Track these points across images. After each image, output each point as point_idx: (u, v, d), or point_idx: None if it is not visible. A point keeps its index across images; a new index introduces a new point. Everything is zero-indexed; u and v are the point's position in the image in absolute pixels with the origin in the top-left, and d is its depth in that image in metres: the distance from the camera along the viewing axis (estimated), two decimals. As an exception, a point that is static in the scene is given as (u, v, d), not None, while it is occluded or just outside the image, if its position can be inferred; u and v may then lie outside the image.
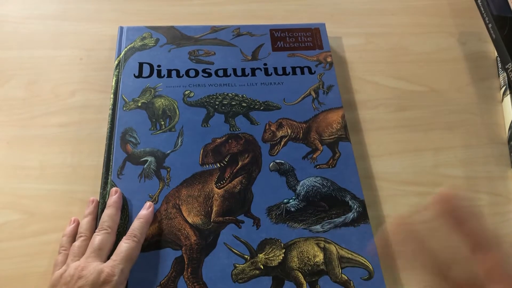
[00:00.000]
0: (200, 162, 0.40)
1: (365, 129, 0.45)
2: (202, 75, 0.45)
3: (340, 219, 0.38)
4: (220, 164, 0.40)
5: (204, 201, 0.38)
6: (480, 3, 0.54)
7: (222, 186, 0.39)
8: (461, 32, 0.53)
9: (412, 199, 0.42)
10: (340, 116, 0.43)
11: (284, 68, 0.46)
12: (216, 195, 0.38)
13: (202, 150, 0.40)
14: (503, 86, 0.48)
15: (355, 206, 0.39)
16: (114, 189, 0.38)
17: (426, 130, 0.46)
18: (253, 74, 0.45)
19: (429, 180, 0.43)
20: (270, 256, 0.36)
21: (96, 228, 0.36)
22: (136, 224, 0.35)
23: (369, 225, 0.38)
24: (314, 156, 0.41)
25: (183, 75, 0.44)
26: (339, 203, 0.39)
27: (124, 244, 0.34)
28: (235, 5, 0.53)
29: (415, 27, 0.53)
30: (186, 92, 0.43)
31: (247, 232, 0.37)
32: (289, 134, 0.42)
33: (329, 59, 0.47)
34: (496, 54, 0.51)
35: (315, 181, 0.39)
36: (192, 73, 0.45)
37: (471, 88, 0.49)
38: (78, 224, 0.37)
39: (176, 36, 0.47)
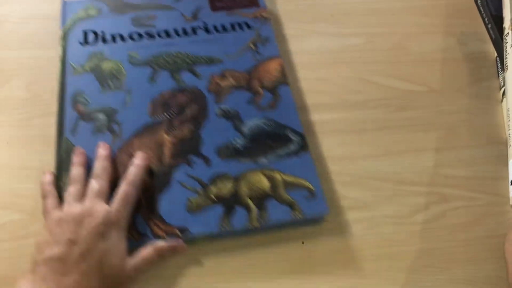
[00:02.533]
0: (149, 115, 0.42)
1: (365, 129, 0.45)
2: (146, 38, 0.47)
3: (283, 151, 0.41)
4: (168, 115, 0.43)
5: (155, 148, 0.41)
6: (480, 3, 0.54)
7: (172, 134, 0.42)
8: (461, 32, 0.53)
9: (412, 199, 0.42)
10: (278, 63, 0.47)
11: (223, 26, 0.49)
12: (167, 142, 0.41)
13: (151, 104, 0.43)
14: (503, 86, 0.48)
15: (296, 139, 0.42)
16: (101, 143, 0.40)
17: (426, 130, 0.46)
18: (195, 33, 0.48)
19: (429, 180, 0.43)
20: (221, 187, 0.39)
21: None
22: (132, 170, 0.37)
23: (308, 153, 0.41)
24: (256, 100, 0.44)
25: (127, 39, 0.47)
26: (281, 138, 0.42)
27: (125, 189, 0.36)
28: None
29: (415, 27, 0.53)
30: (132, 54, 0.46)
31: (199, 170, 0.40)
32: (233, 83, 0.45)
33: (265, 15, 0.50)
34: (496, 54, 0.51)
35: (259, 121, 0.43)
36: (135, 36, 0.47)
37: (471, 88, 0.49)
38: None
39: (117, 5, 0.49)
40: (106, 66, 0.45)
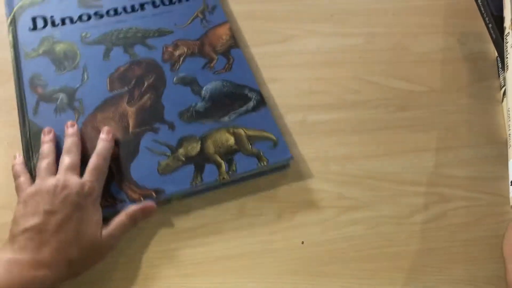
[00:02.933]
0: (108, 89, 0.44)
1: (365, 129, 0.45)
2: (95, 18, 0.48)
3: (243, 108, 0.43)
4: (127, 87, 0.44)
5: (119, 119, 0.42)
6: (480, 3, 0.54)
7: (133, 104, 0.43)
8: (461, 32, 0.53)
9: (412, 199, 0.42)
10: (227, 28, 0.49)
11: None
12: (130, 112, 0.43)
13: (108, 79, 0.44)
14: (503, 86, 0.48)
15: (253, 96, 0.44)
16: (69, 122, 0.41)
17: (426, 130, 0.46)
18: (142, 9, 0.49)
19: (429, 180, 0.43)
20: (188, 149, 0.41)
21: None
22: (100, 144, 0.39)
23: (267, 108, 0.43)
24: (211, 65, 0.46)
25: (76, 21, 0.48)
26: (239, 97, 0.44)
27: (95, 161, 0.37)
28: None
29: (415, 27, 0.53)
30: (83, 34, 0.47)
31: (165, 135, 0.41)
32: (186, 51, 0.47)
33: None
34: (496, 54, 0.51)
35: (216, 84, 0.45)
36: (84, 17, 0.48)
37: (471, 88, 0.49)
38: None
39: None
40: (59, 48, 0.46)
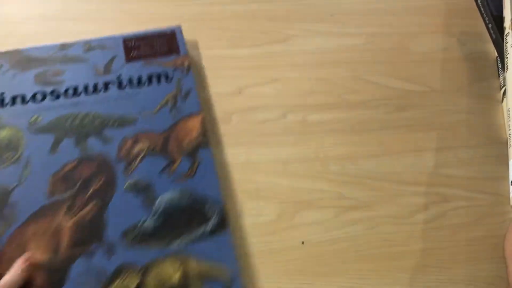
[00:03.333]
0: (48, 194, 0.37)
1: (365, 129, 0.45)
2: (51, 97, 0.41)
3: (199, 231, 0.36)
4: (70, 193, 0.37)
5: (52, 236, 0.35)
6: (480, 3, 0.54)
7: (72, 217, 0.36)
8: (461, 32, 0.53)
9: (412, 199, 0.42)
10: (199, 121, 0.41)
11: (139, 79, 0.43)
12: (65, 228, 0.36)
13: (50, 180, 0.37)
14: (503, 86, 0.48)
15: (214, 215, 0.37)
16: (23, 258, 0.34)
17: (426, 130, 0.46)
18: (106, 89, 0.42)
19: (429, 180, 0.43)
20: (125, 282, 0.34)
21: None
22: (6, 277, 0.32)
23: (228, 232, 0.37)
24: (172, 168, 0.39)
25: (28, 100, 0.41)
26: (198, 214, 0.37)
27: None
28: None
29: (415, 27, 0.53)
30: (33, 119, 0.40)
31: (101, 261, 0.35)
32: (147, 148, 0.40)
33: (186, 63, 0.44)
34: (496, 54, 0.51)
35: (173, 195, 0.38)
36: (39, 97, 0.41)
37: (471, 88, 0.49)
38: None
39: (21, 60, 0.43)
40: (4, 135, 0.39)
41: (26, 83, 0.42)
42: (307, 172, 0.42)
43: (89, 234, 0.36)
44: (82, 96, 0.42)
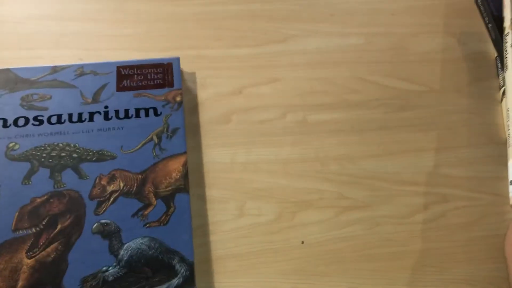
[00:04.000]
0: (13, 228, 0.35)
1: (365, 129, 0.45)
2: (33, 124, 0.39)
3: (163, 286, 0.33)
4: (35, 229, 0.35)
5: (9, 275, 0.33)
6: (480, 3, 0.54)
7: (33, 255, 0.34)
8: (461, 32, 0.53)
9: (412, 199, 0.42)
10: (181, 163, 0.39)
11: (127, 111, 0.41)
12: (25, 267, 0.33)
13: (17, 213, 0.35)
14: (503, 86, 0.48)
15: (182, 270, 0.34)
16: None
17: (426, 130, 0.46)
18: (91, 119, 0.40)
19: (429, 180, 0.43)
20: None
21: None
22: None
23: None
24: (145, 212, 0.36)
25: (10, 124, 0.39)
26: (165, 267, 0.34)
27: None
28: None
29: (415, 27, 0.53)
30: (10, 145, 0.38)
31: None
32: (122, 188, 0.37)
33: (178, 99, 0.42)
34: (496, 54, 0.51)
35: (142, 243, 0.35)
36: (21, 122, 0.39)
37: (471, 88, 0.49)
38: None
39: (10, 80, 0.42)
40: None
41: (10, 105, 0.40)
42: (307, 172, 0.42)
43: (48, 276, 0.33)
44: (66, 125, 0.40)
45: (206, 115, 0.45)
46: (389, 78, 0.49)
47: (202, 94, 0.46)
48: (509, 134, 0.45)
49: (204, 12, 0.52)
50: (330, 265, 0.38)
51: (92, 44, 0.48)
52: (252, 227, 0.40)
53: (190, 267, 0.34)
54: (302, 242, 0.39)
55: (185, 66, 0.47)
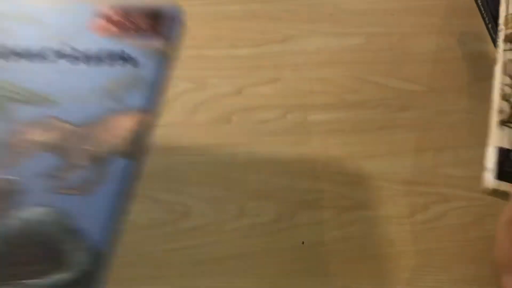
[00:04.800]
0: None
1: (365, 129, 0.45)
2: None
3: (52, 279, 0.23)
4: None
5: None
6: (480, 3, 0.54)
7: None
8: (461, 32, 0.53)
9: (412, 199, 0.42)
10: (135, 121, 0.29)
11: (97, 54, 0.32)
12: None
13: None
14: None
15: (78, 263, 0.24)
16: None
17: (426, 130, 0.46)
18: (61, 57, 0.32)
19: (429, 180, 0.43)
20: None
21: None
22: None
23: None
24: (64, 173, 0.27)
25: None
26: (56, 254, 0.24)
27: None
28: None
29: (415, 27, 0.53)
30: None
31: None
32: (50, 139, 0.28)
33: (167, 50, 0.34)
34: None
35: (39, 214, 0.25)
36: None
37: (471, 88, 0.49)
38: None
39: None
40: None
41: None
42: (307, 172, 0.42)
43: None
44: (24, 59, 0.31)
45: (206, 115, 0.45)
46: (389, 78, 0.49)
47: (202, 94, 0.46)
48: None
49: (204, 12, 0.52)
50: (330, 265, 0.38)
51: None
52: (252, 227, 0.39)
53: (96, 259, 0.25)
54: (303, 243, 0.39)
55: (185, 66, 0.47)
